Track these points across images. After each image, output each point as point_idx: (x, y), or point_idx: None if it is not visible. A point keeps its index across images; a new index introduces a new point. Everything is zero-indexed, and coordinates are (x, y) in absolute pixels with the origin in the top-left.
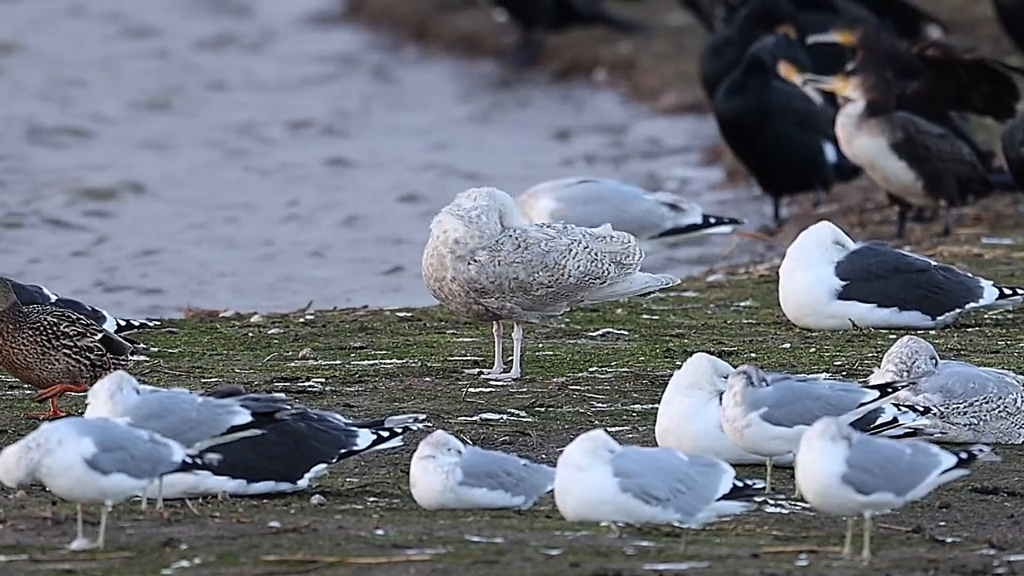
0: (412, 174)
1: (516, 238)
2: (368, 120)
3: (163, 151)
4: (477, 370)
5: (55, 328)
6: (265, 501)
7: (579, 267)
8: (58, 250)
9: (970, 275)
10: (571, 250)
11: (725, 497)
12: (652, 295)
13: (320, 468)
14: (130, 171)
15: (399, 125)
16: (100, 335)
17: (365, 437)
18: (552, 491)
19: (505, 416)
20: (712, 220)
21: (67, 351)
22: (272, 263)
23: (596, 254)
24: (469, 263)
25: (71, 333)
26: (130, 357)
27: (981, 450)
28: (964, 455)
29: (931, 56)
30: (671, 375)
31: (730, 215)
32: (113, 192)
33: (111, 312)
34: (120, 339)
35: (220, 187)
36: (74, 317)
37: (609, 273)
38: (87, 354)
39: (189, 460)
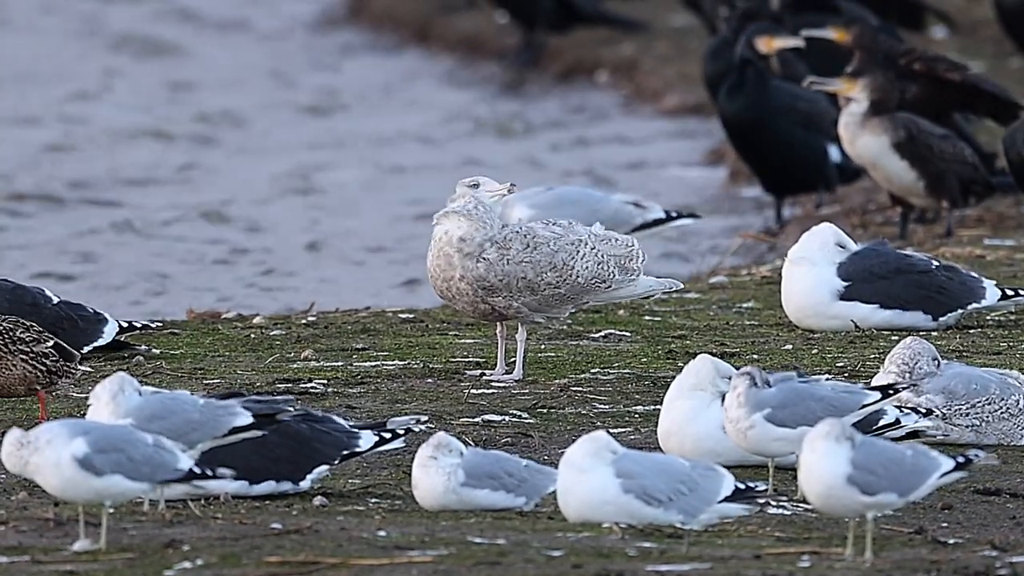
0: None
1: (525, 236)
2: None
3: (331, 152)
4: (479, 371)
5: (11, 334)
6: (267, 502)
7: (587, 268)
8: (210, 249)
9: (973, 275)
10: (579, 251)
11: (727, 499)
12: (655, 297)
13: (322, 469)
14: (300, 171)
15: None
16: (51, 342)
17: (367, 438)
18: (554, 492)
19: (507, 417)
20: (674, 215)
21: (24, 357)
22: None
23: (602, 256)
24: (478, 260)
25: (27, 339)
26: (79, 365)
27: (977, 455)
28: (961, 459)
29: (917, 69)
30: (673, 376)
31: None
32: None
33: (113, 313)
34: (68, 347)
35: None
36: (28, 324)
37: (614, 276)
38: (43, 360)
39: (198, 470)
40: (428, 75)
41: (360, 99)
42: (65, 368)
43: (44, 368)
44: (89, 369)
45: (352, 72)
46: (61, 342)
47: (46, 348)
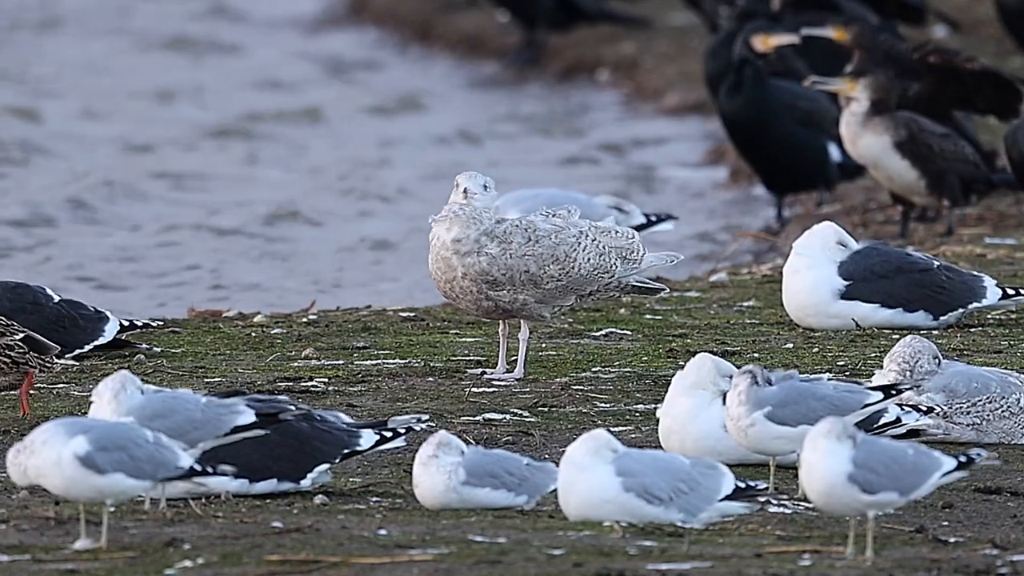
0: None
1: (526, 230)
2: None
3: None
4: (480, 370)
5: None
6: (268, 501)
7: (589, 260)
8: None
9: (974, 274)
10: (580, 243)
11: (728, 497)
12: (656, 296)
13: (323, 468)
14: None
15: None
16: (21, 335)
17: (368, 437)
18: (555, 491)
19: (508, 416)
20: (653, 218)
21: None
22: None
23: (603, 247)
24: (479, 255)
25: None
26: (56, 358)
27: (979, 454)
28: (963, 458)
29: (932, 62)
30: (674, 375)
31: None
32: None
33: (115, 312)
34: (44, 340)
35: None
36: None
37: (616, 268)
38: (8, 352)
39: (199, 468)
40: (450, 76)
41: (394, 98)
42: (37, 361)
43: (9, 360)
44: (73, 363)
45: (375, 71)
46: (35, 335)
47: (12, 341)
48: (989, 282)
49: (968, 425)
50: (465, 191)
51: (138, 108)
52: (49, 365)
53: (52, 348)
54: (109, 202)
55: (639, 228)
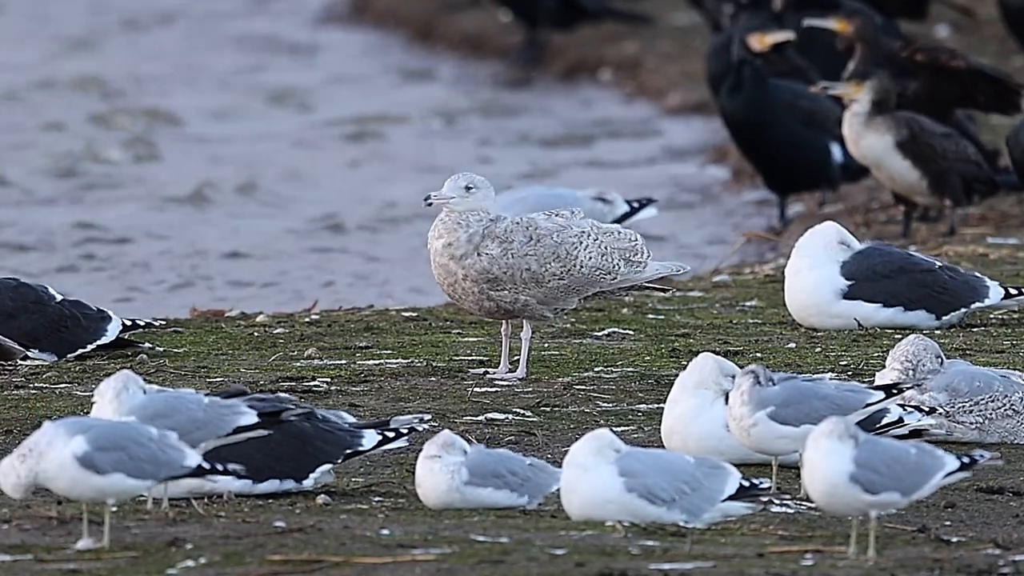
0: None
1: (527, 228)
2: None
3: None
4: (482, 370)
5: None
6: (270, 501)
7: (590, 259)
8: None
9: (976, 275)
10: (582, 242)
11: (731, 497)
12: (658, 295)
13: (325, 468)
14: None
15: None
16: None
17: (371, 437)
18: (557, 491)
19: (511, 416)
20: (635, 205)
21: None
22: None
23: (606, 248)
24: (478, 255)
25: None
26: (20, 361)
27: (982, 455)
28: (966, 459)
29: (920, 60)
30: (677, 375)
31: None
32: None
33: (118, 312)
34: (11, 344)
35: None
36: None
37: (619, 268)
38: None
39: (207, 466)
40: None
41: (472, 99)
42: None
43: None
44: (47, 367)
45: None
46: (2, 339)
47: None
48: (991, 282)
49: (971, 424)
50: (427, 200)
51: (252, 107)
52: (16, 371)
53: (17, 352)
54: (234, 198)
55: (624, 217)
